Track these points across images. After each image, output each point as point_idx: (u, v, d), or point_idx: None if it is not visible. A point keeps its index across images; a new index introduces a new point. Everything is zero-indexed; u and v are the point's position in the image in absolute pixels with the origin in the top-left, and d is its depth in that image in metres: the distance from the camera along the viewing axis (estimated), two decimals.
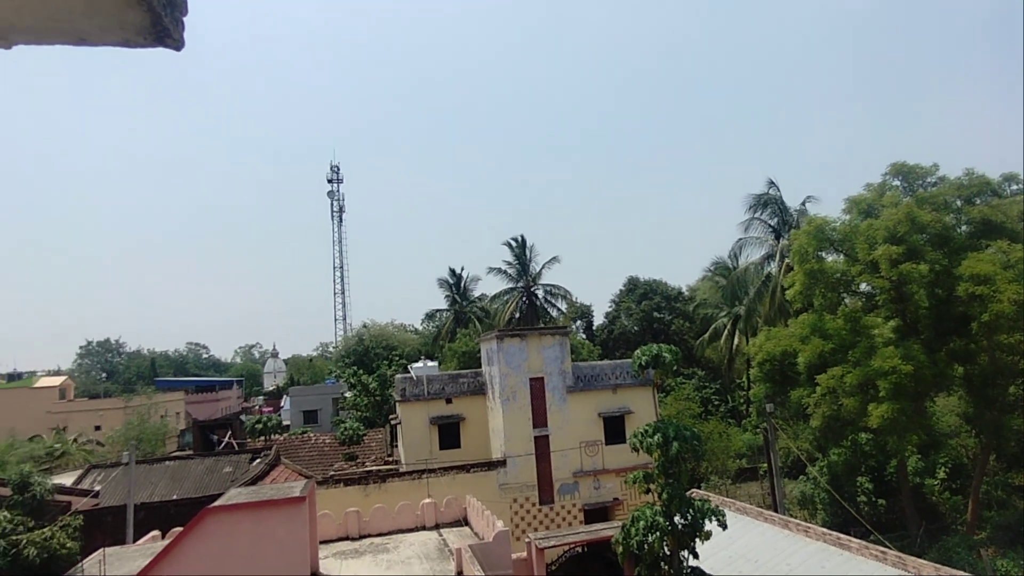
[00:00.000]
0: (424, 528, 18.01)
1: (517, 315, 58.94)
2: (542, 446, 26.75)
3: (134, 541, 16.84)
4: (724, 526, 14.62)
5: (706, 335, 52.70)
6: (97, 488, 22.97)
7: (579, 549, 19.18)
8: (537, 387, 27.19)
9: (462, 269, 67.21)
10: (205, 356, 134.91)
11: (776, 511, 23.40)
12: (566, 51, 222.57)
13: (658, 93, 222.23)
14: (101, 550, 12.59)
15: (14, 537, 12.01)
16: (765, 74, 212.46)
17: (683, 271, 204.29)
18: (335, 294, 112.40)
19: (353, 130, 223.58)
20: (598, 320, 72.96)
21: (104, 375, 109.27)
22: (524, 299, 60.05)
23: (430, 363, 38.39)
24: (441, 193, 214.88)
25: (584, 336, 67.80)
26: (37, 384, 67.28)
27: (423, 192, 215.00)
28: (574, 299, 65.61)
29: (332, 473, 27.94)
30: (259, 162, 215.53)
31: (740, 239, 48.51)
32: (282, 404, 73.82)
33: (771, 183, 46.74)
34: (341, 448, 37.49)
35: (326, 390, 65.65)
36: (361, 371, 54.38)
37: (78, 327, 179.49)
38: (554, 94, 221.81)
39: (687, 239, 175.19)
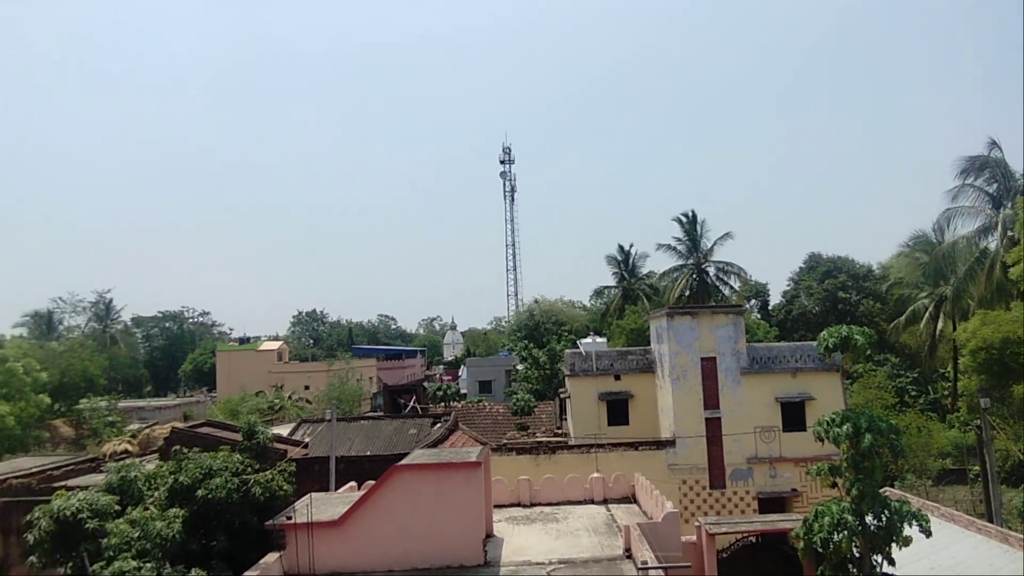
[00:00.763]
0: (592, 502, 18.09)
1: (687, 293, 56.90)
2: (713, 428, 25.68)
3: (335, 489, 18.75)
4: (928, 533, 13.07)
5: (902, 318, 47.28)
6: (306, 440, 25.86)
7: (752, 539, 18.21)
8: (709, 367, 26.08)
9: (630, 246, 66.08)
10: (393, 327, 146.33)
11: (991, 521, 20.51)
12: (739, 23, 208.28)
13: (849, 44, 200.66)
14: (309, 494, 14.14)
15: (245, 476, 13.83)
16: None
17: (873, 247, 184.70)
18: (507, 271, 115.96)
19: (524, 110, 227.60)
20: (774, 299, 68.40)
21: (311, 341, 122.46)
22: (694, 276, 57.78)
23: (599, 339, 38.31)
24: (610, 170, 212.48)
25: (759, 316, 63.96)
26: (261, 348, 77.01)
27: (592, 170, 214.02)
28: (748, 277, 61.91)
29: (505, 441, 29.00)
30: (439, 146, 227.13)
31: (947, 209, 42.71)
32: (460, 374, 78.03)
33: (992, 143, 40.42)
34: (513, 418, 38.78)
35: (499, 362, 68.22)
36: (532, 345, 55.72)
37: (291, 299, 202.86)
38: (728, 63, 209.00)
39: (878, 212, 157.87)
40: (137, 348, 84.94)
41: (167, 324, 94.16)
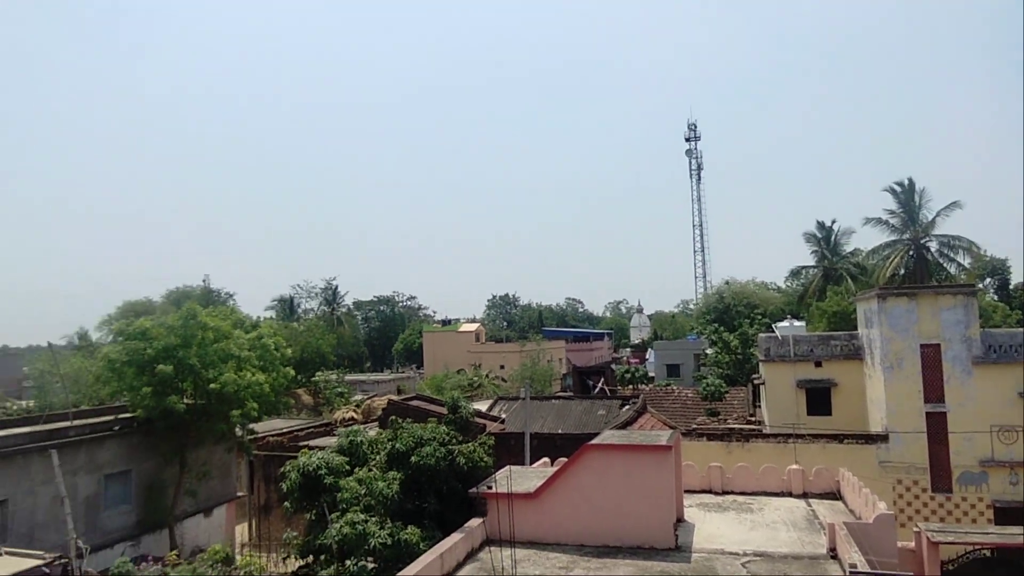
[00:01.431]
0: (790, 494, 16.97)
1: (901, 271, 50.52)
2: (936, 424, 22.71)
3: (530, 463, 19.60)
4: None
5: None
6: (503, 416, 27.29)
7: (986, 552, 15.90)
8: (931, 355, 23.03)
9: (832, 222, 60.25)
10: (580, 310, 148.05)
11: None
12: None
13: None
14: (508, 467, 14.97)
15: (450, 446, 15.01)
16: None
17: None
18: (695, 252, 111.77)
19: (710, 82, 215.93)
20: (1016, 278, 58.34)
21: (505, 323, 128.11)
22: (911, 253, 51.08)
23: (796, 323, 35.60)
24: (806, 142, 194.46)
25: (996, 297, 54.99)
26: (460, 329, 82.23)
27: (785, 143, 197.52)
28: (982, 252, 53.36)
29: (694, 426, 28.18)
30: (623, 127, 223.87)
31: None
32: (647, 356, 76.95)
33: None
34: (703, 403, 37.51)
35: (688, 345, 66.15)
36: (722, 328, 53.27)
37: (487, 283, 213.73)
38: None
39: None
40: (358, 328, 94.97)
41: (381, 307, 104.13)
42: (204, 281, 76.72)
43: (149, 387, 22.21)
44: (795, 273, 67.54)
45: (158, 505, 23.45)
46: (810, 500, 16.47)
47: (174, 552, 18.25)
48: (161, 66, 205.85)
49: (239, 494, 27.94)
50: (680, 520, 14.02)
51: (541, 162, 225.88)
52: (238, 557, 19.71)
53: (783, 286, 72.35)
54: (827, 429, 24.39)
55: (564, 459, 14.80)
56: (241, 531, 27.60)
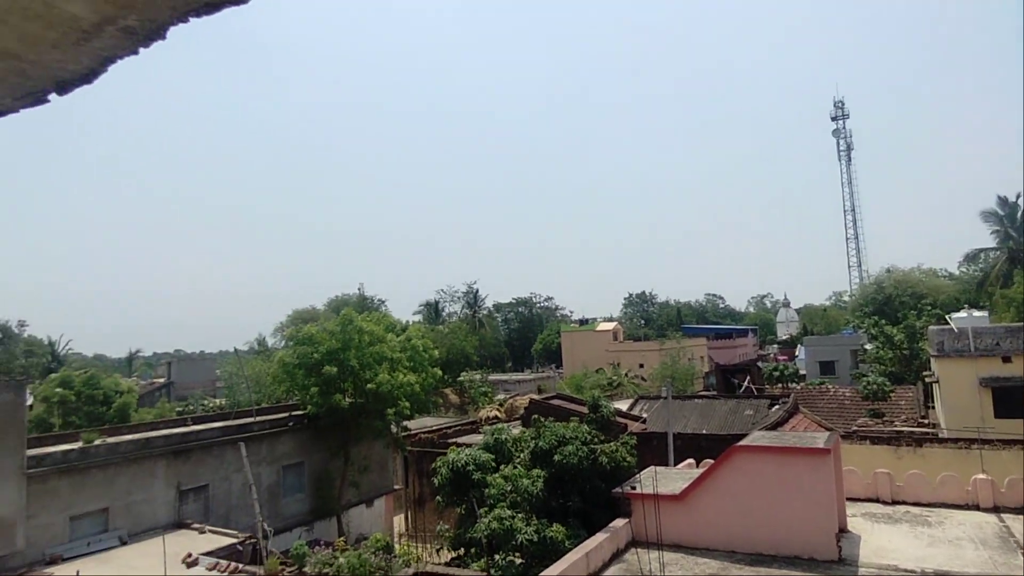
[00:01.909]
0: (977, 508, 15.03)
1: None
2: None
3: (674, 464, 19.00)
4: None
5: None
6: (644, 415, 26.72)
7: None
8: None
9: (1017, 197, 52.76)
10: (721, 306, 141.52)
11: None
12: None
13: None
14: (651, 467, 14.63)
15: (592, 445, 14.94)
16: None
17: None
18: (847, 240, 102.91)
19: (858, 58, 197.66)
20: None
21: (642, 322, 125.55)
22: None
23: (976, 313, 31.54)
24: (977, 110, 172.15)
25: None
26: (598, 328, 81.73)
27: (950, 113, 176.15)
28: None
29: (855, 428, 25.87)
30: (761, 110, 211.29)
31: None
32: (796, 353, 71.93)
33: None
34: (863, 403, 34.34)
35: (843, 341, 60.96)
36: (884, 321, 48.49)
37: (622, 282, 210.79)
38: None
39: None
40: (498, 330, 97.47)
41: (520, 309, 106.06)
42: (359, 289, 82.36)
43: (316, 387, 24.30)
44: (971, 258, 60.01)
45: (327, 495, 25.51)
46: (1003, 515, 14.49)
47: (342, 538, 19.71)
48: (314, 83, 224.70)
49: (396, 487, 29.71)
50: (843, 530, 12.92)
51: (676, 155, 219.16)
52: (396, 546, 20.90)
53: (956, 272, 64.62)
54: (1020, 434, 21.35)
55: (710, 460, 14.19)
56: (398, 522, 29.30)
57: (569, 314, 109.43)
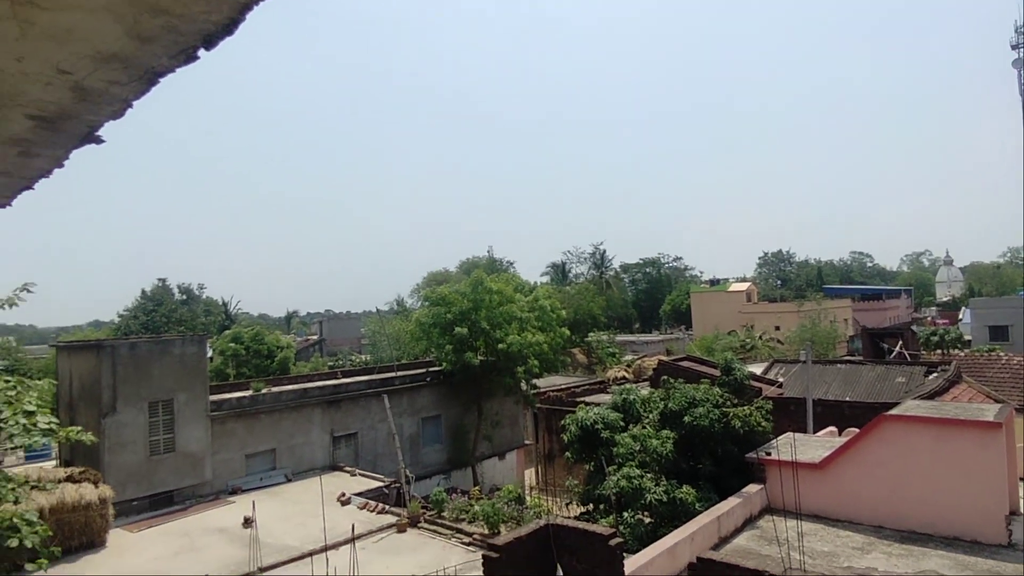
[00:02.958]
0: None
1: None
2: None
3: (812, 431, 17.95)
4: None
5: None
6: (780, 380, 25.38)
7: None
8: None
9: None
10: (869, 265, 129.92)
11: None
12: None
13: None
14: (789, 433, 13.92)
15: (724, 408, 14.46)
16: None
17: None
18: None
19: None
20: None
21: (779, 282, 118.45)
22: None
23: None
24: None
25: None
26: (730, 289, 78.23)
27: None
28: None
29: None
30: (916, 46, 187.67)
31: None
32: (960, 316, 64.68)
33: None
34: None
35: (1019, 303, 53.87)
36: None
37: (757, 240, 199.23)
38: None
39: None
40: (625, 291, 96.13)
41: (647, 269, 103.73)
42: (488, 251, 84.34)
43: (450, 345, 25.43)
44: None
45: (462, 446, 26.86)
46: None
47: (476, 487, 20.77)
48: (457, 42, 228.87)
49: (526, 442, 30.64)
50: (1015, 513, 11.63)
51: (818, 93, 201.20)
52: (527, 498, 21.65)
53: None
54: None
55: (855, 429, 13.26)
56: (529, 475, 30.28)
57: (699, 275, 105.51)
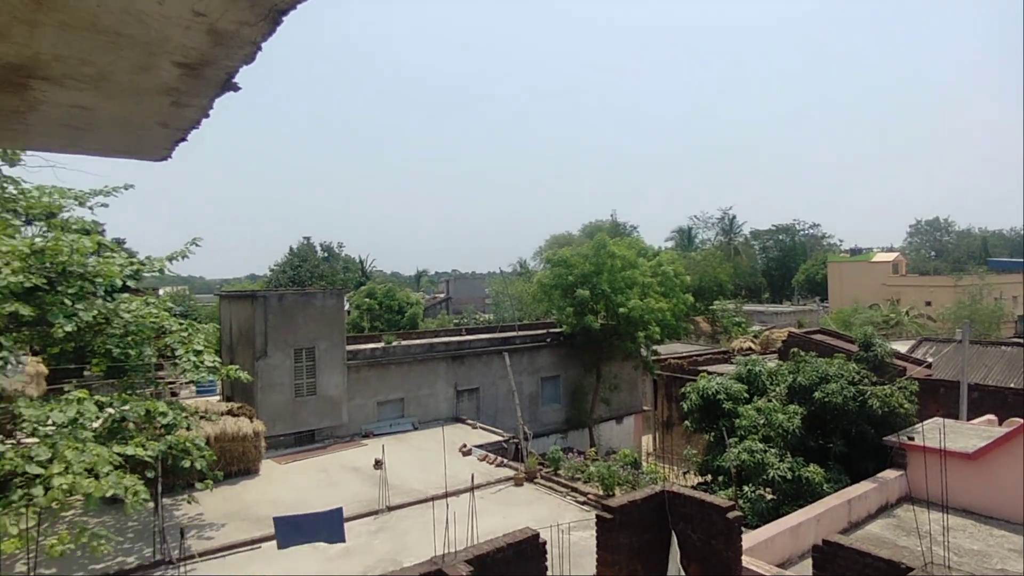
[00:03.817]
0: None
1: None
2: None
3: (966, 419, 16.20)
4: None
5: None
6: (929, 360, 23.06)
7: None
8: None
9: None
10: None
11: None
12: None
13: None
14: (936, 419, 12.65)
15: (861, 386, 13.39)
16: None
17: None
18: None
19: None
20: None
21: (932, 253, 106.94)
22: None
23: None
24: None
25: None
26: (874, 259, 71.76)
27: None
28: None
29: None
30: None
31: None
32: None
33: None
34: None
35: None
36: None
37: (908, 207, 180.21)
38: None
39: None
40: (755, 258, 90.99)
41: (780, 236, 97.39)
42: (611, 215, 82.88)
43: (571, 307, 25.45)
44: None
45: (580, 407, 27.04)
46: None
47: (592, 449, 20.87)
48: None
49: (645, 408, 30.29)
50: None
51: (994, 46, 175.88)
52: (644, 464, 21.48)
53: None
54: None
55: (1019, 420, 11.78)
56: (646, 441, 29.99)
57: (838, 243, 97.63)
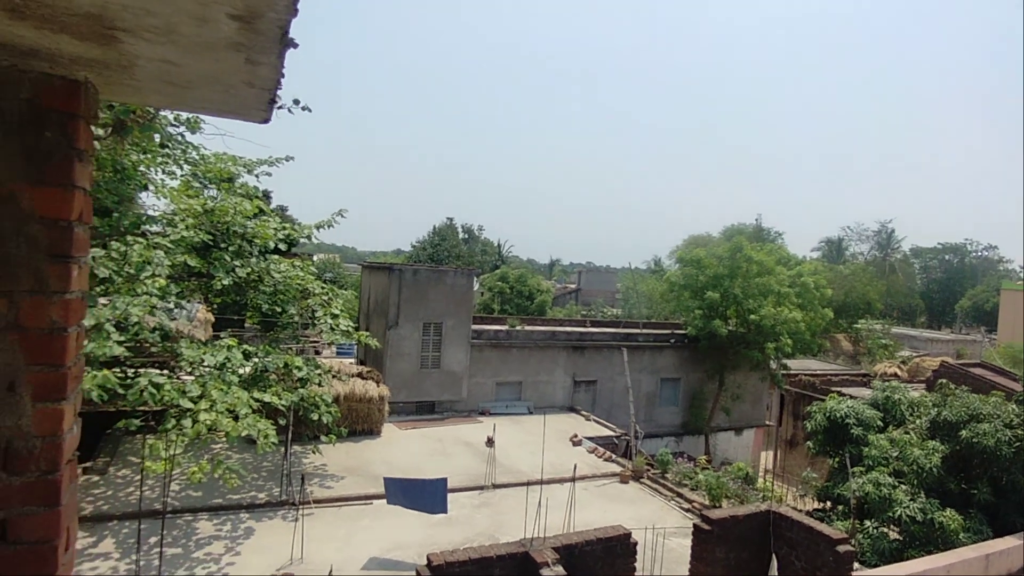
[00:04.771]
0: None
1: None
2: None
3: None
4: None
5: None
6: None
7: None
8: None
9: None
10: None
11: None
12: None
13: None
14: None
15: (1020, 431, 11.61)
16: None
17: None
18: None
19: None
20: None
21: None
22: None
23: None
24: None
25: None
26: None
27: None
28: None
29: None
30: None
31: None
32: None
33: None
34: None
35: None
36: None
37: None
38: None
39: None
40: (913, 278, 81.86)
41: (946, 256, 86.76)
42: (756, 219, 78.25)
43: (700, 309, 24.42)
44: None
45: (698, 413, 25.95)
46: None
47: (704, 456, 19.95)
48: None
49: (767, 423, 28.45)
50: None
51: None
52: (759, 480, 20.21)
53: None
54: None
55: None
56: (765, 458, 28.18)
57: (1017, 270, 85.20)
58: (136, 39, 1.46)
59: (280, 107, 9.83)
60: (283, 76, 1.69)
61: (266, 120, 2.36)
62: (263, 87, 1.81)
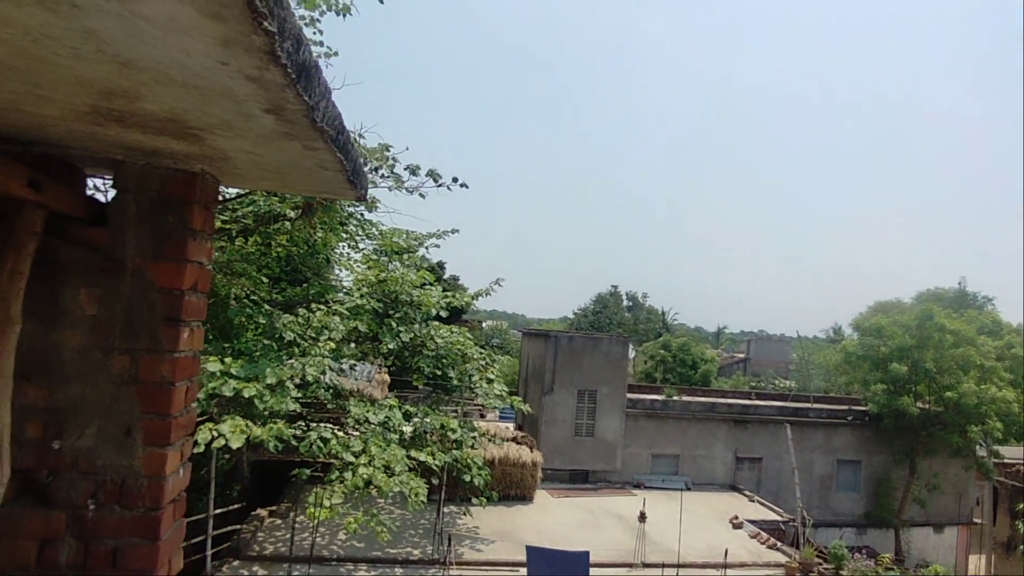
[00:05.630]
0: None
1: None
2: None
3: None
4: None
5: None
6: None
7: None
8: None
9: None
10: None
11: None
12: None
13: None
14: None
15: None
16: None
17: None
18: None
19: None
20: None
21: None
22: None
23: None
24: None
25: None
26: None
27: None
28: None
29: None
30: None
31: None
32: None
33: None
34: None
35: None
36: None
37: None
38: None
39: None
40: None
41: None
42: (959, 283, 68.08)
43: (882, 384, 21.49)
44: None
45: (884, 503, 22.38)
46: None
47: (888, 556, 16.93)
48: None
49: (976, 520, 23.59)
50: None
51: None
52: None
53: None
54: None
55: None
56: (975, 562, 23.27)
57: None
58: (212, 135, 1.67)
59: (440, 185, 10.64)
60: (347, 159, 1.83)
61: (359, 199, 2.56)
62: (333, 169, 1.97)
